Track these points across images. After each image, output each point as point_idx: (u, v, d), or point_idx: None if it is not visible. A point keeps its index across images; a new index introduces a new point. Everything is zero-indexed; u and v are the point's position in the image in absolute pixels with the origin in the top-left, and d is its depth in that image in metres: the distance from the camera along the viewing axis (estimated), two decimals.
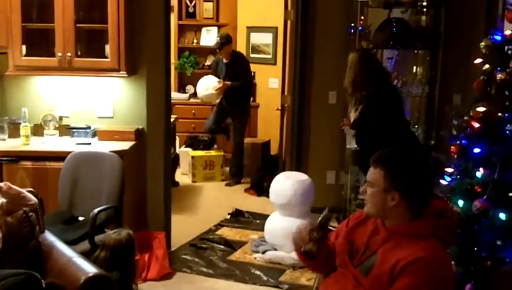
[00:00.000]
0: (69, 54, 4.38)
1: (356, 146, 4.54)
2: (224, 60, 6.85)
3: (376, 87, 4.20)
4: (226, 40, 6.76)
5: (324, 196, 5.49)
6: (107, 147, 4.28)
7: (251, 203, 5.98)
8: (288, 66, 5.98)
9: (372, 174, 2.29)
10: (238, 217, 5.80)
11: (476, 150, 2.81)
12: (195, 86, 8.13)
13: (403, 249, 2.17)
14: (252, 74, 7.64)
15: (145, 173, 4.72)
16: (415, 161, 2.28)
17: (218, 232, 5.39)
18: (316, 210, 5.03)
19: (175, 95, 7.73)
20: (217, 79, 6.82)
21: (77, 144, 4.41)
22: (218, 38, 6.92)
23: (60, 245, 3.11)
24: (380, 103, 4.14)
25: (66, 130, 4.63)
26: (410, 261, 2.12)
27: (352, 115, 4.47)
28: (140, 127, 4.65)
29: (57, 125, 4.60)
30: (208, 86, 6.84)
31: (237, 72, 6.81)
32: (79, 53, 4.50)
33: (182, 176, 7.10)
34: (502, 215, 2.63)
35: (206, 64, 8.14)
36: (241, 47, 7.66)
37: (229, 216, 5.82)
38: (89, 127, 4.63)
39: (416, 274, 2.11)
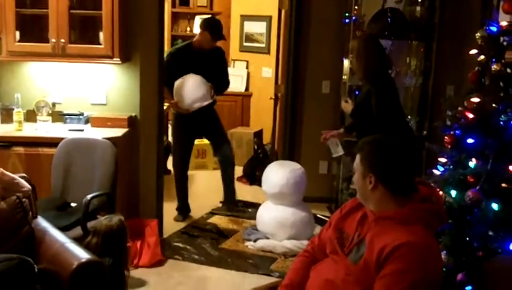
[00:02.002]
0: (62, 40, 4.36)
1: (341, 153, 4.54)
2: (199, 51, 5.17)
3: (382, 74, 4.20)
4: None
5: (316, 186, 5.53)
6: (100, 133, 4.26)
7: (243, 191, 5.99)
8: (281, 56, 5.99)
9: (355, 160, 2.36)
10: (229, 205, 5.80)
11: (470, 141, 2.82)
12: None
13: (388, 235, 2.18)
14: (246, 63, 7.64)
15: (138, 161, 4.72)
16: (391, 146, 2.31)
17: (210, 220, 5.40)
18: (308, 199, 5.06)
19: None
20: (198, 77, 5.14)
21: (70, 130, 4.39)
22: (217, 24, 5.27)
23: (53, 231, 3.11)
24: (382, 91, 4.13)
25: (59, 116, 4.61)
26: (395, 247, 2.13)
27: (344, 106, 4.47)
28: (134, 114, 4.64)
29: (50, 112, 4.59)
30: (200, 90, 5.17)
31: (220, 70, 5.41)
32: (73, 39, 4.47)
33: None
34: (495, 206, 2.65)
35: None
36: (234, 36, 7.64)
37: (220, 204, 5.82)
38: (82, 114, 4.62)
39: (402, 259, 2.12)
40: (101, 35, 4.43)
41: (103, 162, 3.86)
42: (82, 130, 4.41)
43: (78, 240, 3.15)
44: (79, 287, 2.76)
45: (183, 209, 5.45)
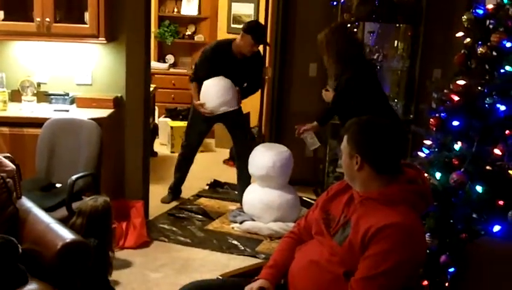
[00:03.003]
0: (47, 19, 4.31)
1: (318, 145, 4.55)
2: (238, 55, 5.00)
3: (357, 59, 4.18)
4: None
5: (302, 169, 5.53)
6: (85, 114, 4.24)
7: (230, 174, 5.98)
8: (269, 38, 5.94)
9: (342, 142, 2.36)
10: (216, 188, 5.81)
11: (455, 123, 2.83)
12: (175, 56, 8.11)
13: (374, 216, 2.19)
14: None
15: (124, 142, 4.69)
16: (377, 126, 2.31)
17: (197, 202, 5.40)
18: (294, 182, 5.07)
19: (155, 65, 7.67)
20: (228, 81, 4.98)
21: (55, 110, 4.36)
22: (261, 28, 5.09)
23: (38, 211, 3.09)
24: (357, 78, 4.12)
25: (44, 96, 4.58)
26: (380, 227, 2.14)
27: (325, 94, 4.45)
28: (119, 95, 4.60)
29: (35, 92, 4.56)
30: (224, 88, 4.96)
31: (255, 78, 5.25)
32: (58, 18, 4.42)
33: (161, 147, 7.09)
34: (479, 188, 2.66)
35: (187, 33, 8.06)
36: (222, 17, 7.59)
37: (207, 187, 5.82)
38: (67, 94, 4.58)
39: (387, 240, 2.13)
40: (87, 14, 4.37)
41: (88, 143, 3.84)
42: (67, 111, 4.38)
43: (63, 221, 3.14)
44: (63, 268, 2.75)
45: (175, 191, 5.43)
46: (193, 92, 5.06)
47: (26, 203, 3.18)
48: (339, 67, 4.18)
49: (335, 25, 4.32)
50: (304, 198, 5.30)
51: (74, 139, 3.92)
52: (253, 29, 4.94)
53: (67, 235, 2.82)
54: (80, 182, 3.67)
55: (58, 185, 3.86)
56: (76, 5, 4.53)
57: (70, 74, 4.65)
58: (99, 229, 3.32)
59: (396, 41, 5.55)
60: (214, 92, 4.93)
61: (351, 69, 4.12)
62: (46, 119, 4.06)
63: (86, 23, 4.39)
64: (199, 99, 5.00)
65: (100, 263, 3.26)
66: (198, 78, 5.03)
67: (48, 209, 3.33)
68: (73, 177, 3.61)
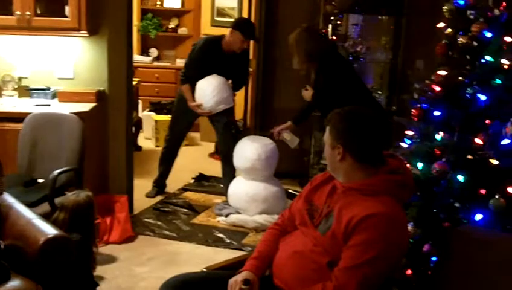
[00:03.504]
0: (28, 13, 4.26)
1: (298, 141, 4.57)
2: (227, 51, 4.96)
3: (329, 55, 4.20)
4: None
5: (288, 161, 5.52)
6: (67, 108, 4.21)
7: (215, 167, 5.97)
8: (255, 32, 5.93)
9: (325, 133, 2.36)
10: (202, 182, 5.80)
11: (436, 114, 2.84)
12: (158, 49, 8.07)
13: (356, 206, 2.20)
14: None
15: (107, 136, 4.66)
16: (358, 116, 2.31)
17: (182, 196, 5.39)
18: (280, 175, 5.07)
19: (138, 58, 7.64)
20: (222, 78, 4.97)
21: (36, 105, 4.32)
22: (250, 24, 5.08)
23: (20, 207, 3.06)
24: (333, 76, 4.14)
25: (25, 91, 4.54)
26: (363, 217, 2.15)
27: (304, 93, 4.46)
28: (102, 88, 4.57)
29: (16, 86, 4.52)
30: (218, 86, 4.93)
31: (243, 74, 5.33)
32: (38, 12, 4.38)
33: (145, 141, 7.06)
34: (460, 178, 2.67)
35: (170, 27, 8.02)
36: (205, 10, 7.56)
37: (192, 180, 5.81)
38: (49, 88, 4.55)
39: (370, 230, 2.14)
40: (68, 7, 4.33)
41: (70, 138, 3.81)
42: (49, 105, 4.34)
43: (45, 217, 3.13)
44: (46, 263, 2.73)
45: (160, 185, 5.40)
46: (187, 94, 4.99)
47: (8, 198, 3.15)
48: (310, 67, 4.24)
49: (304, 26, 4.32)
50: (289, 190, 5.31)
51: (56, 133, 3.89)
52: (243, 25, 4.92)
53: (49, 230, 2.80)
54: (63, 177, 3.64)
55: (40, 181, 3.83)
56: None
57: (52, 68, 4.61)
58: (82, 224, 3.29)
59: (379, 33, 5.56)
60: (209, 91, 4.88)
61: (324, 67, 4.13)
62: (27, 114, 4.02)
63: (67, 17, 4.35)
64: (194, 101, 4.96)
65: (84, 258, 3.24)
66: (190, 78, 4.98)
67: (31, 205, 3.31)
68: (56, 172, 3.58)
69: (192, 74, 4.97)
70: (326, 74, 4.13)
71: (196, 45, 5.08)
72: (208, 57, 4.93)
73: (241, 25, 4.90)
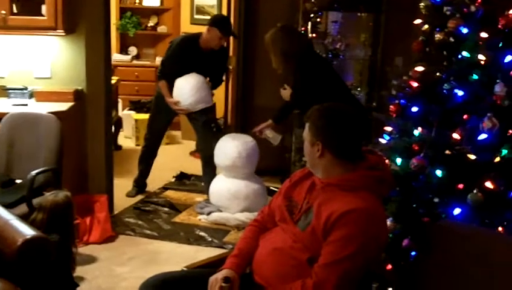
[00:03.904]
0: (3, 12, 4.22)
1: (280, 137, 4.58)
2: (205, 49, 4.94)
3: (306, 54, 4.20)
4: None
5: (269, 158, 5.52)
6: (44, 108, 4.17)
7: (197, 166, 5.95)
8: (232, 28, 5.92)
9: (304, 129, 2.37)
10: (183, 180, 5.78)
11: (414, 109, 2.86)
12: (138, 48, 8.03)
13: (335, 202, 2.21)
14: None
15: (86, 135, 4.63)
16: (337, 112, 2.32)
17: (163, 195, 5.37)
18: (261, 172, 5.07)
19: (117, 57, 7.60)
20: (201, 77, 4.97)
21: (13, 105, 4.28)
22: (227, 21, 5.09)
23: None
24: (310, 74, 4.14)
25: (2, 91, 4.49)
26: (342, 213, 2.16)
27: (282, 93, 4.46)
28: (80, 88, 4.53)
29: None
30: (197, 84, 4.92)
31: (220, 71, 5.27)
32: (15, 11, 4.33)
33: (125, 140, 7.02)
34: (439, 173, 2.68)
35: (149, 25, 7.98)
36: (185, 8, 7.53)
37: (174, 179, 5.79)
38: (26, 88, 4.50)
39: (349, 225, 2.15)
40: (44, 6, 4.29)
41: (48, 137, 3.77)
42: (26, 105, 4.30)
43: (24, 217, 3.08)
44: (25, 265, 2.70)
45: (140, 184, 5.37)
46: (164, 90, 4.97)
47: None
48: (287, 66, 4.21)
49: (280, 25, 4.33)
50: (271, 187, 5.30)
51: (34, 133, 3.85)
52: (220, 22, 4.90)
53: (27, 231, 2.76)
54: (41, 178, 3.61)
55: (18, 181, 3.79)
56: None
57: (29, 67, 4.56)
58: (60, 225, 3.27)
59: (358, 30, 5.59)
60: (188, 90, 4.87)
61: (301, 66, 4.13)
62: (4, 114, 3.99)
63: (43, 16, 4.31)
64: (171, 97, 4.94)
65: (63, 258, 3.21)
66: (167, 75, 4.96)
67: (8, 206, 3.26)
68: (34, 172, 3.54)
69: (169, 71, 4.95)
70: (303, 73, 4.13)
71: (173, 42, 5.06)
72: (185, 55, 4.90)
73: (218, 22, 4.88)
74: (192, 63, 4.90)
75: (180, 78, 4.90)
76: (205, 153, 5.12)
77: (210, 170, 5.11)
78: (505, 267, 2.21)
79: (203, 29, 5.05)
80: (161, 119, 5.23)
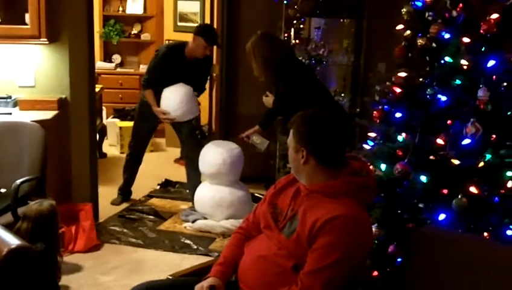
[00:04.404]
0: None
1: (267, 143, 4.59)
2: (190, 58, 4.94)
3: (288, 62, 4.21)
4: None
5: (253, 165, 5.53)
6: (28, 116, 4.13)
7: (181, 173, 5.94)
8: (217, 37, 5.93)
9: (289, 136, 2.37)
10: (168, 188, 5.77)
11: (398, 115, 2.87)
12: (121, 55, 8.01)
13: (320, 209, 2.21)
14: None
15: (70, 144, 4.60)
16: (320, 119, 2.33)
17: (148, 203, 5.35)
18: (246, 179, 5.07)
19: (101, 65, 7.57)
20: (189, 88, 4.96)
21: None
22: (212, 30, 5.04)
23: None
24: (292, 78, 4.16)
25: None
26: (326, 220, 2.16)
27: (265, 100, 4.47)
28: (64, 96, 4.50)
29: None
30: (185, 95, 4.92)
31: (204, 80, 5.31)
32: None
33: (110, 147, 6.99)
34: (423, 178, 2.70)
35: (133, 32, 7.97)
36: (168, 16, 7.53)
37: (158, 187, 5.78)
38: (10, 97, 4.46)
39: (333, 232, 2.15)
40: (27, 15, 4.28)
41: (32, 146, 3.74)
42: (10, 114, 4.27)
43: (8, 227, 3.04)
44: (9, 274, 2.68)
45: (125, 192, 5.35)
46: (150, 99, 4.94)
47: None
48: (269, 74, 4.22)
49: (260, 33, 4.34)
50: (256, 194, 5.31)
51: (17, 142, 3.81)
52: (205, 31, 4.90)
53: (12, 241, 2.73)
54: (25, 187, 3.58)
55: (2, 190, 3.75)
56: (16, 6, 4.42)
57: (12, 76, 4.53)
58: (45, 234, 3.25)
59: (341, 36, 5.62)
60: (178, 102, 4.86)
61: (283, 73, 4.15)
62: None
63: (26, 24, 4.30)
64: (158, 106, 4.92)
65: (48, 267, 3.19)
66: (153, 83, 4.94)
67: None
68: (18, 181, 3.51)
69: (155, 80, 4.94)
70: (285, 80, 4.15)
71: (159, 51, 5.05)
72: (171, 63, 4.90)
73: (203, 31, 4.89)
74: (177, 71, 4.90)
75: (168, 89, 4.89)
76: (190, 160, 5.11)
77: (195, 177, 5.10)
78: (490, 272, 2.23)
79: (186, 36, 5.05)
80: (145, 127, 5.22)
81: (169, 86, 4.89)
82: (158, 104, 4.95)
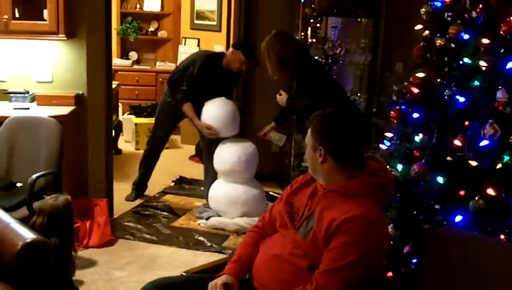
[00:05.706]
0: (5, 16, 4.23)
1: (284, 138, 4.59)
2: (225, 68, 4.87)
3: (302, 60, 4.20)
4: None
5: (268, 164, 5.53)
6: (45, 112, 4.16)
7: (196, 170, 5.97)
8: (232, 33, 5.94)
9: (306, 135, 2.36)
10: (182, 184, 5.78)
11: (415, 115, 2.85)
12: (138, 52, 8.04)
13: (337, 209, 2.20)
14: (197, 41, 7.56)
15: (86, 139, 4.62)
16: (339, 118, 2.32)
17: (162, 199, 5.36)
18: (260, 177, 5.06)
19: (118, 62, 7.61)
20: (233, 104, 4.98)
21: (15, 108, 4.28)
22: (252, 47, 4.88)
23: None
24: (308, 76, 4.16)
25: (3, 94, 4.48)
26: (343, 220, 2.14)
27: (279, 99, 4.47)
28: (80, 92, 4.53)
29: None
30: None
31: (232, 90, 5.23)
32: (17, 15, 4.34)
33: (125, 144, 7.01)
34: (440, 179, 2.68)
35: (150, 30, 8.00)
36: (185, 13, 7.55)
37: (173, 183, 5.79)
38: (27, 92, 4.50)
39: (350, 232, 2.14)
40: (46, 11, 4.30)
41: (49, 141, 3.77)
42: (27, 109, 4.30)
43: (24, 221, 3.07)
44: (24, 268, 2.70)
45: (140, 187, 5.36)
46: (190, 112, 4.84)
47: None
48: (283, 73, 4.24)
49: (275, 32, 4.33)
50: (270, 193, 5.30)
51: (34, 137, 3.85)
52: (245, 46, 4.84)
53: (27, 235, 2.76)
54: (41, 181, 3.61)
55: (18, 185, 3.79)
56: (35, 2, 4.45)
57: (30, 71, 4.57)
58: (60, 228, 3.27)
59: (358, 36, 5.60)
60: (225, 118, 4.79)
61: (298, 72, 4.14)
62: (5, 117, 3.98)
63: (45, 20, 4.32)
64: (200, 119, 4.83)
65: (62, 262, 3.21)
66: (191, 96, 4.84)
67: (8, 209, 3.26)
68: (34, 176, 3.54)
69: (194, 92, 4.82)
70: (299, 79, 4.16)
71: (196, 61, 4.90)
72: (210, 75, 4.83)
73: (244, 46, 4.85)
74: (213, 83, 4.85)
75: (214, 105, 4.81)
76: (208, 155, 5.06)
77: (213, 177, 5.11)
78: (506, 275, 2.21)
79: (202, 34, 5.02)
80: (166, 127, 5.25)
81: (212, 100, 4.82)
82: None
